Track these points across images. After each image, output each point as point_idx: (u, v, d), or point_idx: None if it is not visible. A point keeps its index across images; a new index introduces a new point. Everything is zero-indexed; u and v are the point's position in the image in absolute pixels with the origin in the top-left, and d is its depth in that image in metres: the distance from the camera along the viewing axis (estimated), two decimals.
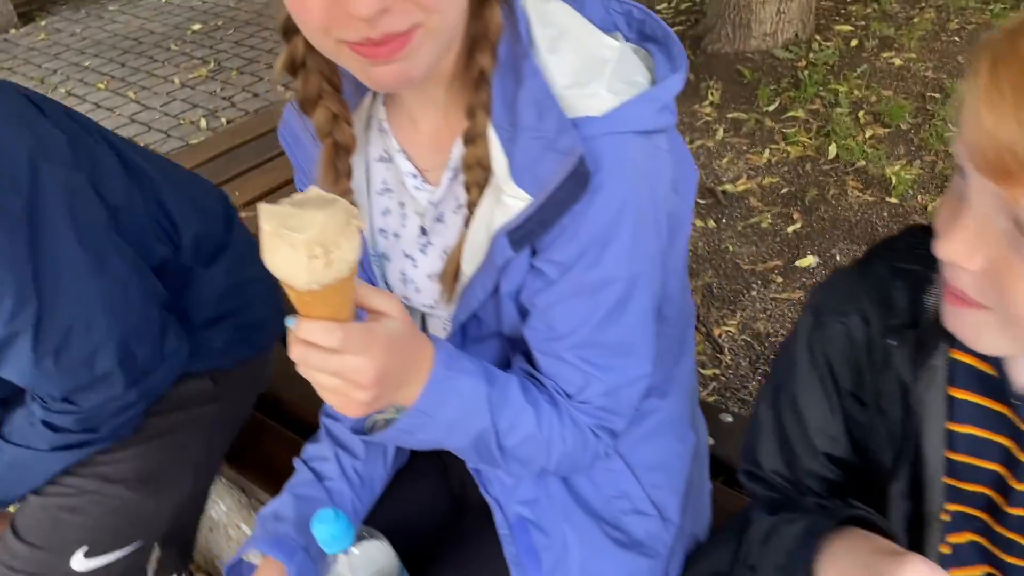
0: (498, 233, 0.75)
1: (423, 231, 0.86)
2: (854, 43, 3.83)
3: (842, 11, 4.16)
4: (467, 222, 0.79)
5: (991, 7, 3.98)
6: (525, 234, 0.74)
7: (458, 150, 0.80)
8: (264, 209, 0.62)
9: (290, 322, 0.67)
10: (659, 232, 0.78)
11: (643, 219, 0.75)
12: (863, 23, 4.02)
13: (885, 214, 2.72)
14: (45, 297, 0.99)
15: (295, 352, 0.68)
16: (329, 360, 0.67)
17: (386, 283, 0.91)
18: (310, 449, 1.05)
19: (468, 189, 0.78)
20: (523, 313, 0.82)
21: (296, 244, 0.59)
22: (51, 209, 1.00)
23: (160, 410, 1.19)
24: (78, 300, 1.02)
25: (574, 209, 0.72)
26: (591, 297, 0.77)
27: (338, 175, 0.84)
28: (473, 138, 0.75)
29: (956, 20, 3.94)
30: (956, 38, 3.79)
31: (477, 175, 0.76)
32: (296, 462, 1.05)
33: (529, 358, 0.85)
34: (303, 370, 0.69)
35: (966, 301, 0.59)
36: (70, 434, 1.10)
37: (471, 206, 0.78)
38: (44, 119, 1.07)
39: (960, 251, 0.56)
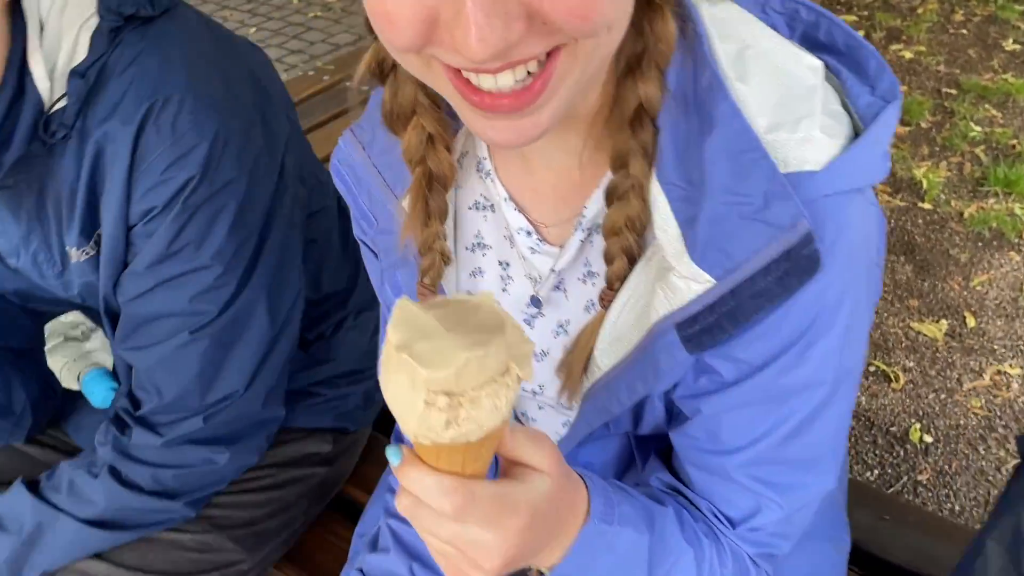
0: (662, 324, 0.55)
1: (535, 301, 0.68)
2: (861, 33, 3.67)
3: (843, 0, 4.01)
4: (604, 300, 0.59)
5: None
6: (706, 330, 0.55)
7: (596, 205, 0.61)
8: (401, 308, 0.43)
9: (394, 457, 0.49)
10: (870, 316, 0.59)
11: (859, 304, 0.56)
12: (867, 13, 3.87)
13: (920, 221, 2.56)
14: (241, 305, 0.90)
15: (402, 503, 0.50)
16: (443, 527, 0.49)
17: None
18: (372, 561, 0.84)
19: (610, 259, 0.58)
20: (671, 411, 0.65)
21: (417, 381, 0.42)
22: (282, 224, 0.92)
23: (280, 461, 1.08)
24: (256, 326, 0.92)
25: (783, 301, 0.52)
26: (780, 405, 0.59)
27: (428, 216, 0.66)
28: (623, 193, 0.56)
29: (961, 12, 3.82)
30: (964, 30, 3.66)
31: (626, 242, 0.58)
32: None
33: (668, 461, 0.68)
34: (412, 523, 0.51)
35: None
36: (139, 495, 0.92)
37: (614, 281, 0.58)
38: (274, 110, 0.93)
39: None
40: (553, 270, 0.64)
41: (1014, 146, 2.85)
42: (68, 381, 1.13)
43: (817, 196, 0.52)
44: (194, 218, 0.83)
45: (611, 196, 0.57)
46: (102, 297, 0.90)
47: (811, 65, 0.56)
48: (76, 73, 0.79)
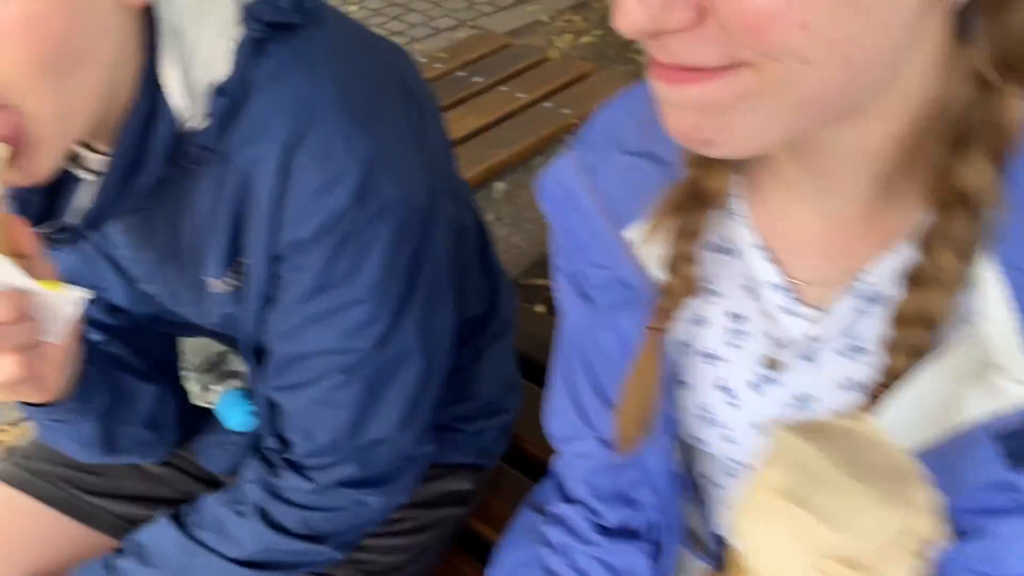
0: (973, 432, 0.46)
1: (772, 365, 0.59)
2: None
3: None
4: (876, 394, 0.50)
5: None
6: None
7: (881, 273, 0.51)
8: (782, 440, 0.35)
9: None
10: None
11: None
12: None
13: None
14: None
15: None
16: None
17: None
18: None
19: (892, 351, 0.49)
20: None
21: (808, 540, 0.33)
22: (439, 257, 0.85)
23: (422, 501, 1.03)
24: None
25: None
26: None
27: (680, 235, 0.61)
28: (926, 281, 0.45)
29: None
30: None
31: (919, 338, 0.48)
32: None
33: None
34: None
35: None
36: (288, 538, 0.87)
37: (891, 379, 0.49)
38: (425, 122, 0.85)
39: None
40: (810, 337, 0.55)
41: None
42: (202, 398, 1.09)
43: None
44: (346, 249, 0.76)
45: (910, 279, 0.47)
46: (247, 332, 0.84)
47: None
48: (219, 90, 0.71)
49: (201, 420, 1.07)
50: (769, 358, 0.60)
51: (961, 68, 0.44)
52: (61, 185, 0.79)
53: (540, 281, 2.39)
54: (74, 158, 0.77)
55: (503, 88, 2.46)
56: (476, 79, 2.47)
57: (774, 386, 0.61)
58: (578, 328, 0.76)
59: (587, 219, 0.67)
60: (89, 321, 0.94)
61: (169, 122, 0.71)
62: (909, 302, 0.48)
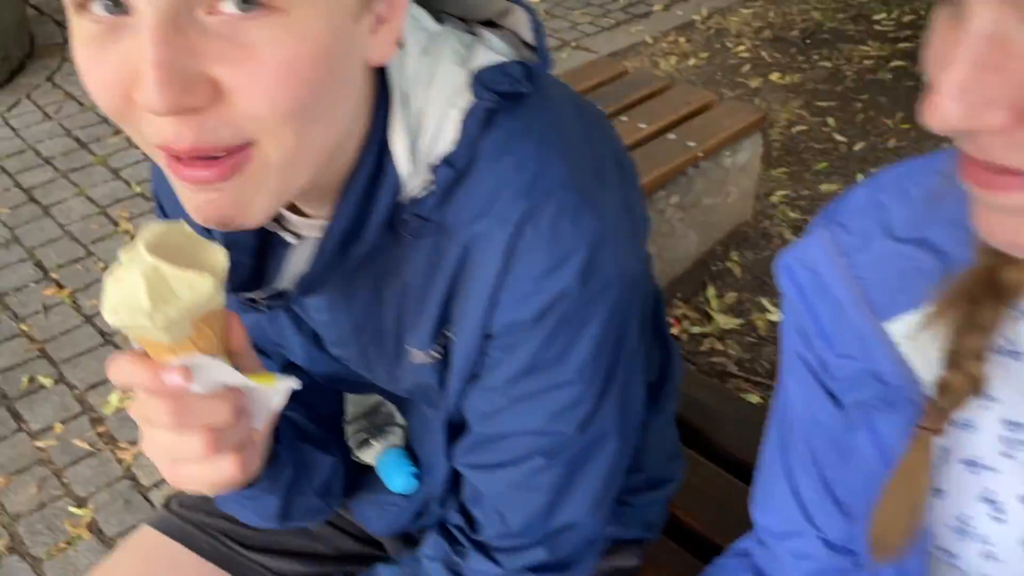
0: None
1: None
2: None
3: None
4: None
5: None
6: None
7: None
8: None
9: None
10: None
11: None
12: None
13: None
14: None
15: None
16: None
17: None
18: None
19: None
20: None
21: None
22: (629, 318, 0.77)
23: None
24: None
25: None
26: None
27: (970, 327, 0.56)
28: None
29: None
30: None
31: None
32: None
33: None
34: None
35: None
36: None
37: None
38: (633, 192, 0.80)
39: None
40: None
41: None
42: (361, 454, 1.06)
43: None
44: (563, 330, 0.71)
45: None
46: (446, 404, 0.80)
47: None
48: (446, 160, 0.67)
49: (361, 478, 1.04)
50: None
51: None
52: (269, 249, 0.77)
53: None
54: (278, 220, 0.75)
55: (623, 118, 2.41)
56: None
57: None
58: (805, 417, 0.71)
59: (838, 307, 0.63)
60: None
61: (392, 189, 0.68)
62: None
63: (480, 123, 0.67)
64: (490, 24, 0.75)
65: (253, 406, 0.64)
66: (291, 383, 0.65)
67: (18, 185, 3.18)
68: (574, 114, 0.75)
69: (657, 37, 4.06)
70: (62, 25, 4.34)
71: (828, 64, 3.72)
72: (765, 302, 2.42)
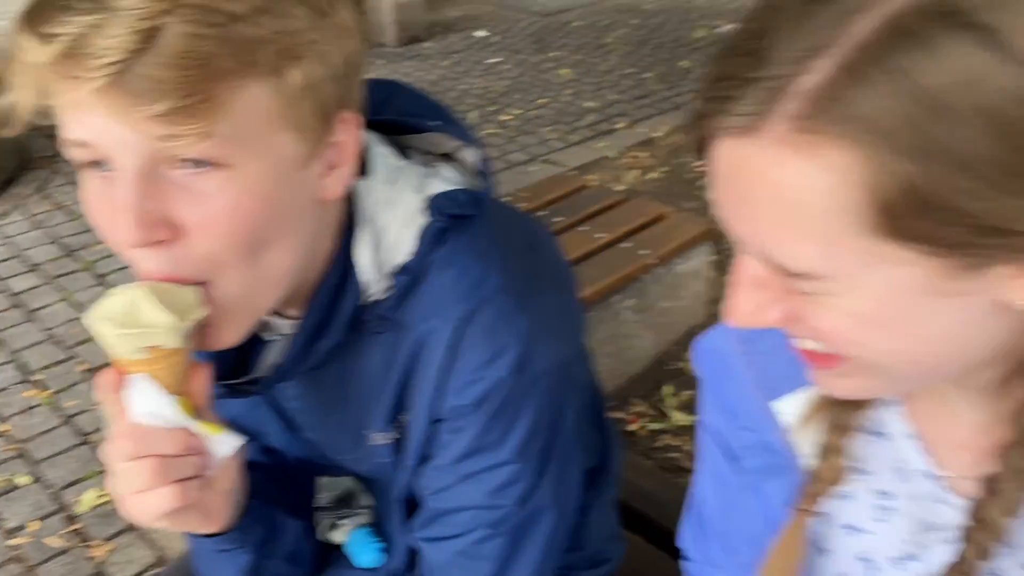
0: None
1: (916, 545, 0.64)
2: None
3: None
4: None
5: None
6: None
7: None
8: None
9: None
10: None
11: None
12: None
13: None
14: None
15: None
16: None
17: None
18: None
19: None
20: None
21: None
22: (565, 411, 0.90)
23: None
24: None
25: None
26: None
27: (833, 428, 0.67)
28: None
29: None
30: None
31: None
32: None
33: None
34: None
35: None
36: None
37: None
38: (567, 291, 0.94)
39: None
40: (961, 527, 0.60)
41: None
42: (329, 535, 1.16)
43: None
44: (501, 416, 0.84)
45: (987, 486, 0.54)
46: (399, 483, 0.92)
47: None
48: (404, 268, 0.82)
49: (329, 556, 1.13)
50: (914, 539, 0.64)
51: None
52: (252, 343, 0.90)
53: (617, 414, 2.44)
54: (265, 325, 0.88)
55: (582, 228, 2.59)
56: (557, 219, 2.60)
57: (916, 563, 0.64)
58: (716, 487, 0.81)
59: (739, 386, 0.73)
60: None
61: (355, 294, 0.82)
62: (984, 503, 0.55)
63: (433, 239, 0.82)
64: (447, 157, 0.91)
65: (206, 450, 0.76)
66: (238, 440, 0.78)
67: (5, 290, 3.30)
68: (517, 232, 0.91)
69: (621, 152, 4.32)
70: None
71: None
72: None
